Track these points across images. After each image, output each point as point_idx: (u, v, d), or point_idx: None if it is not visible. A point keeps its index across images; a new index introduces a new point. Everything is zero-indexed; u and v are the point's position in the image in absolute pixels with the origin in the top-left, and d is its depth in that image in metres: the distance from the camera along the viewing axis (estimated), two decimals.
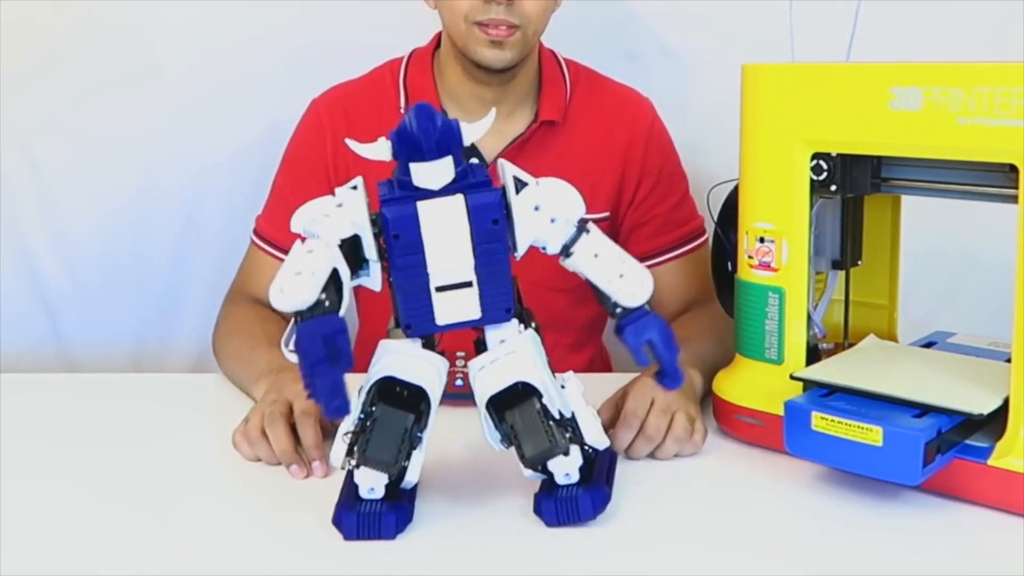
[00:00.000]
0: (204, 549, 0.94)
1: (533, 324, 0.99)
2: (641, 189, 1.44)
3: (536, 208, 0.94)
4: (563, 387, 0.98)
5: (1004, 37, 1.54)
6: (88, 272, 1.72)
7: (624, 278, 0.95)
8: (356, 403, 0.93)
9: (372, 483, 0.94)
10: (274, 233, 1.41)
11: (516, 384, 0.93)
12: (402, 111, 1.42)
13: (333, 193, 0.94)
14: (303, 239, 0.92)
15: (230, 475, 1.09)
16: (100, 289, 1.73)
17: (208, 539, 0.96)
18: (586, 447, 0.97)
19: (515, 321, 0.97)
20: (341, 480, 0.99)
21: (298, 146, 1.45)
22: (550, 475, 0.96)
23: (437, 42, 1.45)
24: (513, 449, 0.95)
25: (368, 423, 0.93)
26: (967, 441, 1.00)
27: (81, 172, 1.70)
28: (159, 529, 0.97)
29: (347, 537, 0.94)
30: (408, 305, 0.94)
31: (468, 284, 0.93)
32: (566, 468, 0.96)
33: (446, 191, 0.92)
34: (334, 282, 0.89)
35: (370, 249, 0.93)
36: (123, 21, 1.67)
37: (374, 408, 0.93)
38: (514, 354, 0.95)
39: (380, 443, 0.92)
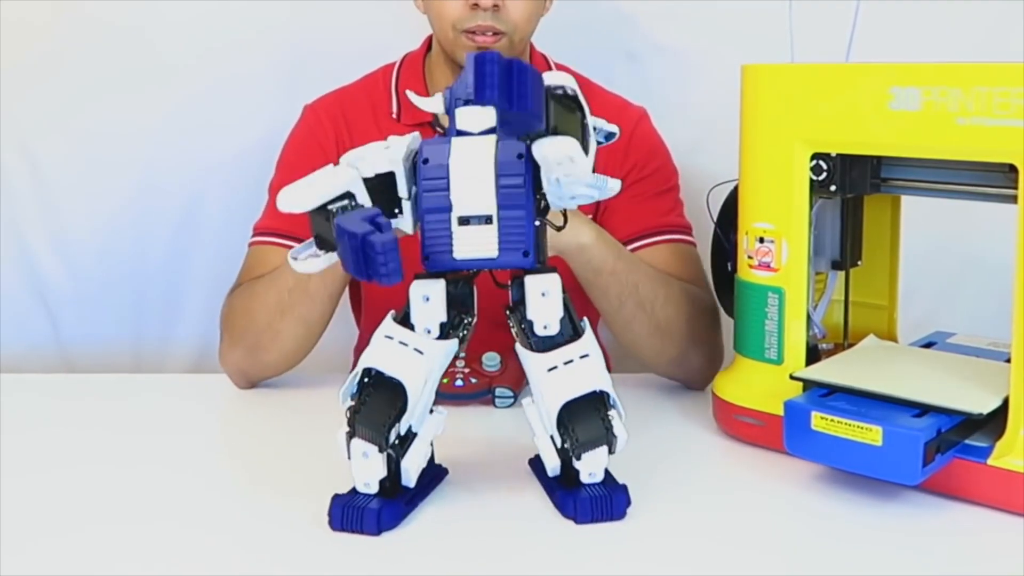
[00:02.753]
0: (205, 548, 0.94)
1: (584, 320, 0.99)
2: (622, 184, 1.42)
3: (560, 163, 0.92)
4: None
5: (1004, 37, 1.54)
6: (88, 272, 1.72)
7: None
8: (347, 383, 0.95)
9: (367, 477, 0.95)
10: (276, 225, 1.38)
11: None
12: (394, 116, 1.42)
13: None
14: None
15: (231, 475, 1.09)
16: (100, 289, 1.73)
17: (209, 539, 0.96)
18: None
19: (557, 275, 0.96)
20: (342, 480, 0.99)
21: (296, 150, 1.43)
22: (571, 473, 0.97)
23: (428, 46, 1.45)
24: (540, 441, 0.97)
25: (358, 401, 0.95)
26: (967, 441, 1.00)
27: (81, 172, 1.70)
28: (159, 529, 0.97)
29: (333, 527, 0.95)
30: (429, 234, 0.94)
31: (488, 220, 0.94)
32: (593, 467, 0.96)
33: (483, 134, 0.94)
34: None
35: (402, 187, 0.95)
36: (123, 21, 1.67)
37: (366, 390, 0.95)
38: (590, 358, 0.96)
39: (367, 418, 0.94)
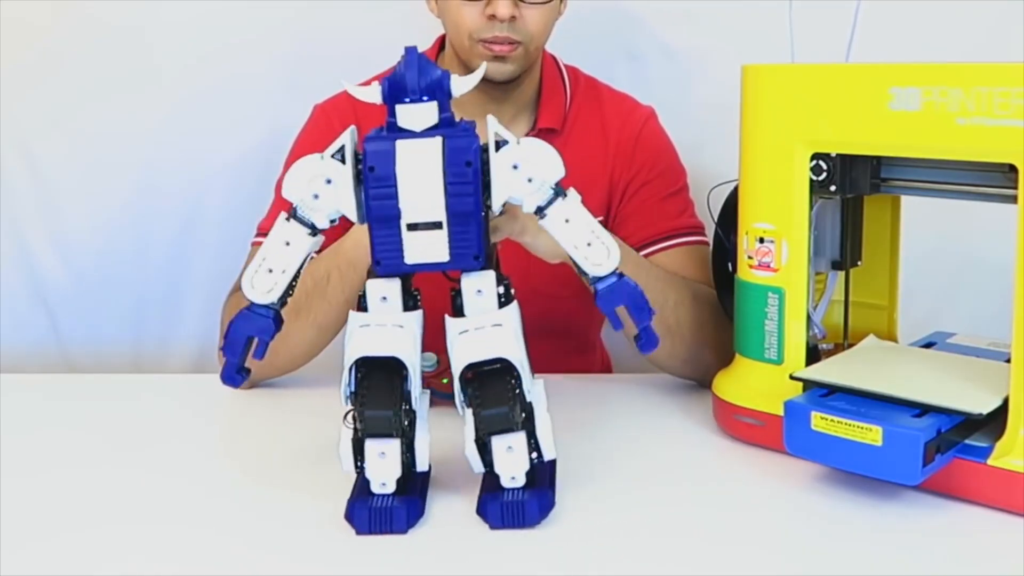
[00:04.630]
0: (207, 548, 0.94)
1: (512, 293, 1.00)
2: (631, 186, 1.42)
3: (514, 167, 0.95)
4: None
5: (1004, 37, 1.54)
6: (88, 272, 1.72)
7: (591, 247, 0.96)
8: (343, 385, 0.95)
9: (384, 477, 0.95)
10: None
11: (498, 359, 0.95)
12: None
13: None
14: (288, 212, 0.97)
15: (231, 475, 1.09)
16: (100, 289, 1.73)
17: (211, 538, 0.96)
18: (532, 455, 0.97)
19: (493, 274, 0.97)
20: (344, 479, 0.99)
21: (305, 150, 1.42)
22: (495, 477, 0.97)
23: (440, 45, 1.45)
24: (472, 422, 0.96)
25: (360, 394, 0.95)
26: (967, 441, 1.00)
27: (81, 172, 1.70)
28: (160, 529, 0.97)
29: (359, 531, 0.94)
30: (379, 241, 0.96)
31: (438, 225, 0.95)
32: (512, 471, 0.96)
33: (427, 134, 0.94)
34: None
35: (357, 219, 0.97)
36: (123, 21, 1.67)
37: (362, 384, 0.95)
38: (501, 327, 0.96)
39: (374, 407, 0.94)
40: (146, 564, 0.91)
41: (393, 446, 0.95)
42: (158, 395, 1.35)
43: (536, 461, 0.97)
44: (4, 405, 1.28)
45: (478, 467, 0.97)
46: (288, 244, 0.97)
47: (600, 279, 0.97)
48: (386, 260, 0.96)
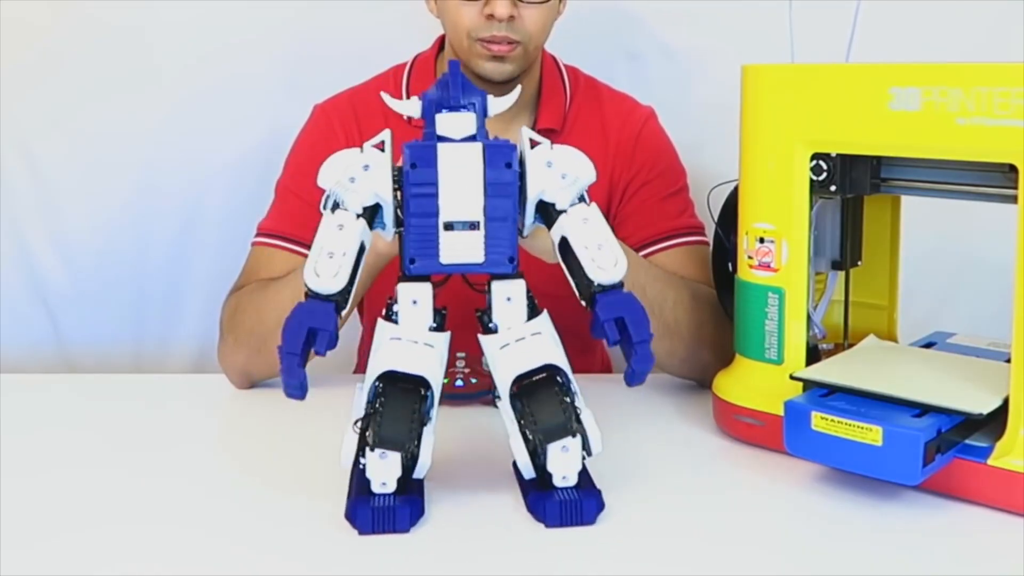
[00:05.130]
0: (207, 548, 0.94)
1: (537, 304, 1.00)
2: (631, 187, 1.42)
3: (548, 164, 0.97)
4: None
5: (1004, 37, 1.54)
6: (88, 272, 1.72)
7: (601, 250, 0.96)
8: (362, 394, 0.95)
9: (384, 477, 0.95)
10: (283, 228, 1.38)
11: (542, 367, 0.95)
12: (406, 118, 1.42)
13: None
14: (332, 207, 0.95)
15: (232, 475, 1.09)
16: (100, 289, 1.73)
17: (211, 538, 0.96)
18: (584, 451, 0.97)
19: (524, 283, 0.98)
20: (344, 479, 0.99)
21: (306, 151, 1.42)
22: (546, 476, 0.96)
23: (439, 46, 1.45)
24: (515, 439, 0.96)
25: (377, 406, 0.94)
26: (967, 441, 1.00)
27: (81, 172, 1.70)
28: (160, 529, 0.97)
29: (361, 531, 0.94)
30: (415, 238, 0.96)
31: (475, 226, 0.96)
32: (565, 471, 0.96)
33: (466, 141, 0.96)
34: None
35: (388, 216, 0.97)
36: (123, 21, 1.67)
37: (381, 395, 0.95)
38: (540, 335, 0.96)
39: (392, 423, 0.94)
40: (146, 564, 0.91)
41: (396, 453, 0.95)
42: (158, 395, 1.35)
43: (584, 458, 0.98)
44: (4, 405, 1.28)
45: (530, 474, 0.98)
46: (341, 227, 0.94)
47: (602, 287, 0.96)
48: (421, 259, 0.96)
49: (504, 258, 0.97)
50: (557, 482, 0.96)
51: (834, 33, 1.15)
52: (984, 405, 0.99)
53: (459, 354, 1.11)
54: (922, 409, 0.99)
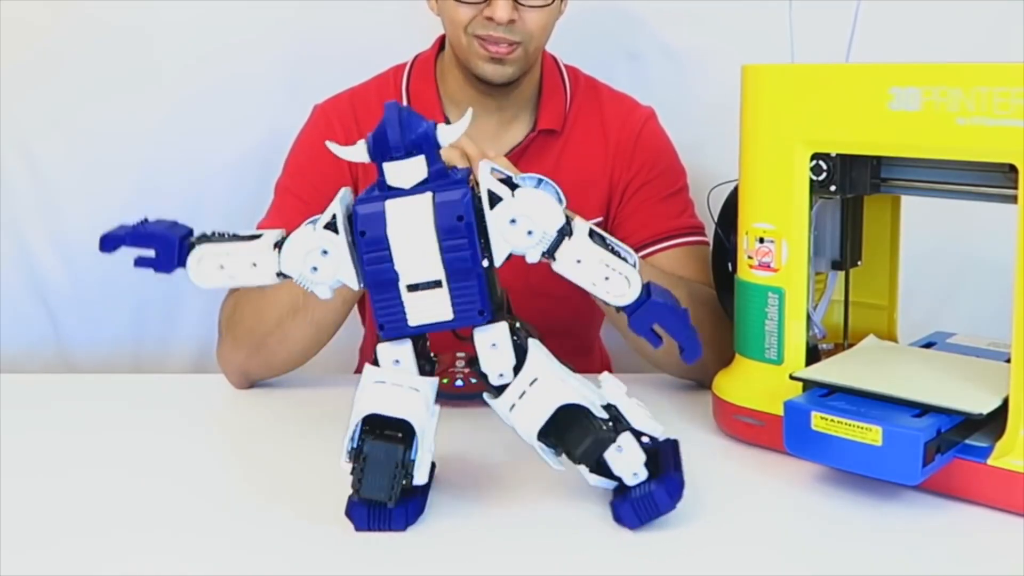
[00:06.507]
0: (207, 548, 0.94)
1: (536, 334, 0.99)
2: (631, 187, 1.42)
3: (512, 221, 0.93)
4: (599, 387, 0.98)
5: (1004, 37, 1.54)
6: (88, 272, 1.72)
7: (609, 280, 0.95)
8: (347, 437, 0.94)
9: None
10: (282, 228, 1.38)
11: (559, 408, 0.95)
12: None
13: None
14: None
15: (232, 475, 1.09)
16: (100, 289, 1.73)
17: (211, 538, 0.96)
18: (643, 439, 0.96)
19: (505, 326, 0.95)
20: (345, 479, 0.99)
21: (305, 152, 1.42)
22: (619, 479, 0.96)
23: (439, 46, 1.45)
24: (572, 463, 0.96)
25: (361, 458, 0.94)
26: (967, 441, 1.00)
27: (81, 172, 1.70)
28: (159, 529, 0.97)
29: (358, 528, 0.94)
30: (380, 305, 0.94)
31: (438, 284, 0.93)
32: (632, 467, 0.96)
33: (417, 190, 0.92)
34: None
35: (353, 283, 0.95)
36: (123, 21, 1.67)
37: (364, 444, 0.94)
38: (539, 381, 0.95)
39: (373, 480, 0.93)
40: (145, 564, 0.91)
41: None
42: (158, 395, 1.35)
43: (651, 445, 0.97)
44: (4, 405, 1.28)
45: (610, 485, 0.98)
46: (255, 265, 0.96)
47: (627, 306, 0.95)
48: (389, 324, 0.94)
49: (474, 312, 0.94)
50: (630, 481, 0.96)
51: (834, 33, 1.15)
52: (984, 405, 0.99)
53: (459, 354, 1.11)
54: (922, 409, 0.99)
